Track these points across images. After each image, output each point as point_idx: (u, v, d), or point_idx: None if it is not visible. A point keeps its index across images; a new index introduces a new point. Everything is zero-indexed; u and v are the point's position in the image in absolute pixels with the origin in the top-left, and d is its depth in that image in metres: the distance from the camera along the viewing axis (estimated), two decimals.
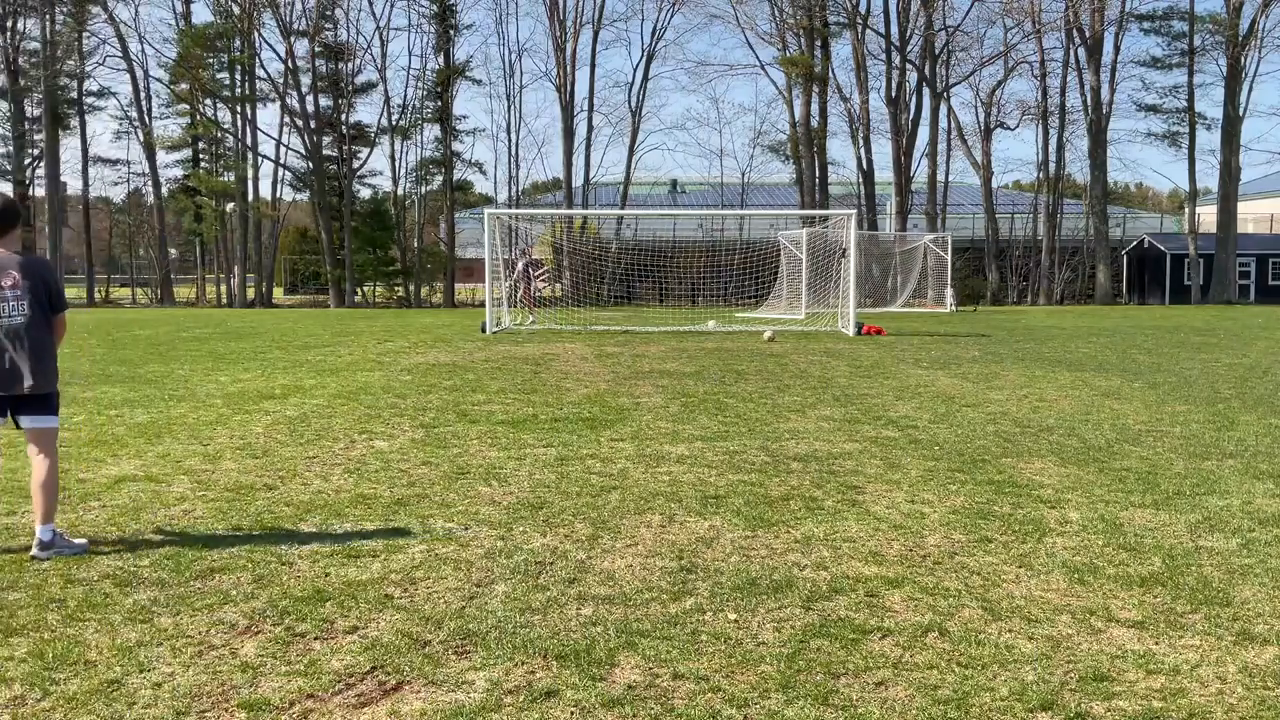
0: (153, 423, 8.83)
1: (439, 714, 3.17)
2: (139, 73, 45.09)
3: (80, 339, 19.18)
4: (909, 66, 43.42)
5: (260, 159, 46.33)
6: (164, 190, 47.66)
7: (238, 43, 43.97)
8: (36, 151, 46.05)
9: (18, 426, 4.96)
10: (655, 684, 3.39)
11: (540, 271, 26.13)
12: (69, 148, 46.69)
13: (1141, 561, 4.75)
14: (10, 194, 5.24)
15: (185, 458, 7.24)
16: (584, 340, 19.30)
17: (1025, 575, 4.54)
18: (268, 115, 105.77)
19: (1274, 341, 19.07)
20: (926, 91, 44.08)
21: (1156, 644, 3.74)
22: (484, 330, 21.64)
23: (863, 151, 44.82)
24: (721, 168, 64.93)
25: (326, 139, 44.76)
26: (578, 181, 45.32)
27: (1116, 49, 43.98)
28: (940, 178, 45.21)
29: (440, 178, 46.30)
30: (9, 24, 44.11)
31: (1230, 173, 42.76)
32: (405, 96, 46.46)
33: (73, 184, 50.01)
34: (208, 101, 45.50)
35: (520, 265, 25.10)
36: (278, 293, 50.48)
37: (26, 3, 44.21)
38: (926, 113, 44.49)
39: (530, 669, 3.50)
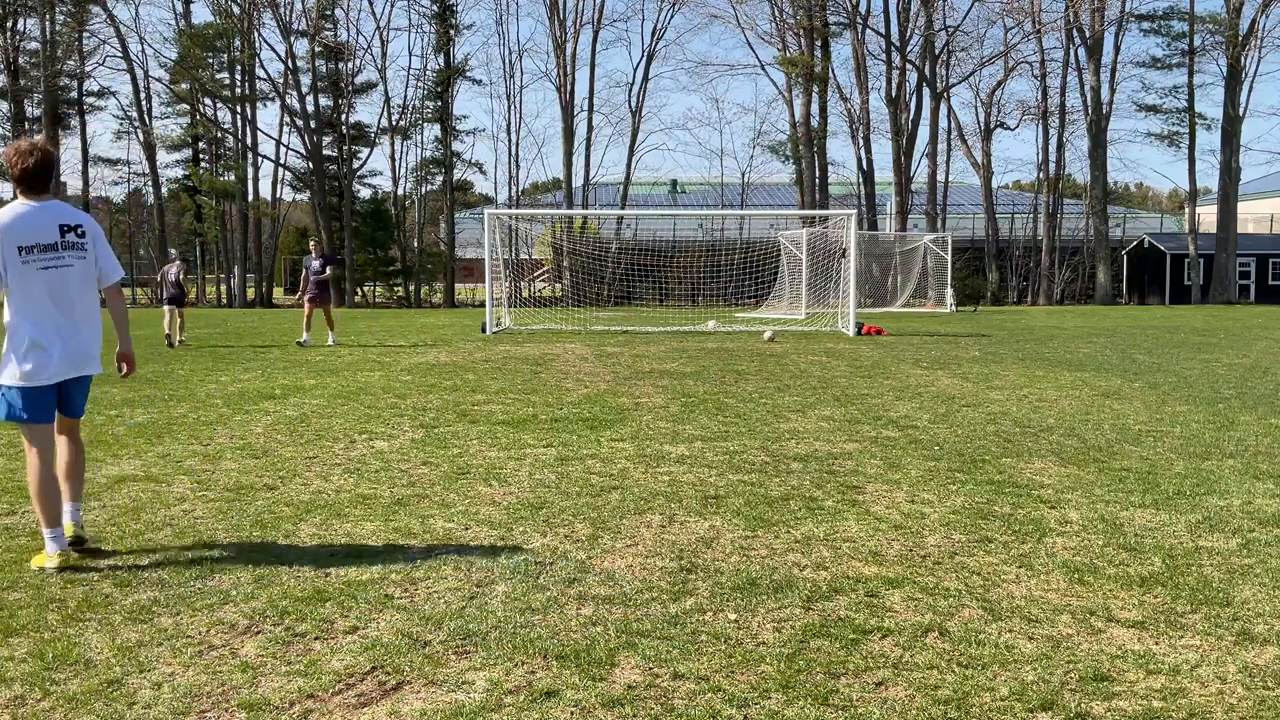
0: (153, 423, 8.83)
1: (439, 714, 3.17)
2: (139, 73, 45.18)
3: None
4: (909, 66, 43.43)
5: (260, 159, 46.35)
6: (164, 190, 47.69)
7: (238, 43, 43.98)
8: None
9: None
10: (655, 684, 3.39)
11: (540, 272, 25.67)
12: (69, 148, 46.74)
13: (1141, 561, 4.75)
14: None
15: (185, 458, 7.24)
16: (584, 340, 19.30)
17: (1025, 575, 4.54)
18: (268, 115, 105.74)
19: (1274, 341, 19.07)
20: (926, 91, 44.09)
21: (1156, 644, 3.73)
22: (484, 330, 21.65)
23: (863, 151, 44.86)
24: (721, 168, 65.10)
25: (326, 139, 44.77)
26: (578, 181, 45.33)
27: (1116, 49, 44.05)
28: (940, 178, 45.24)
29: (440, 178, 46.36)
30: (9, 24, 44.11)
31: (1230, 173, 42.77)
32: (405, 96, 46.70)
33: (73, 184, 49.98)
34: (208, 101, 45.52)
35: (317, 262, 18.70)
36: (278, 292, 50.48)
37: (26, 3, 44.21)
38: (926, 113, 44.54)
39: (530, 669, 3.50)
